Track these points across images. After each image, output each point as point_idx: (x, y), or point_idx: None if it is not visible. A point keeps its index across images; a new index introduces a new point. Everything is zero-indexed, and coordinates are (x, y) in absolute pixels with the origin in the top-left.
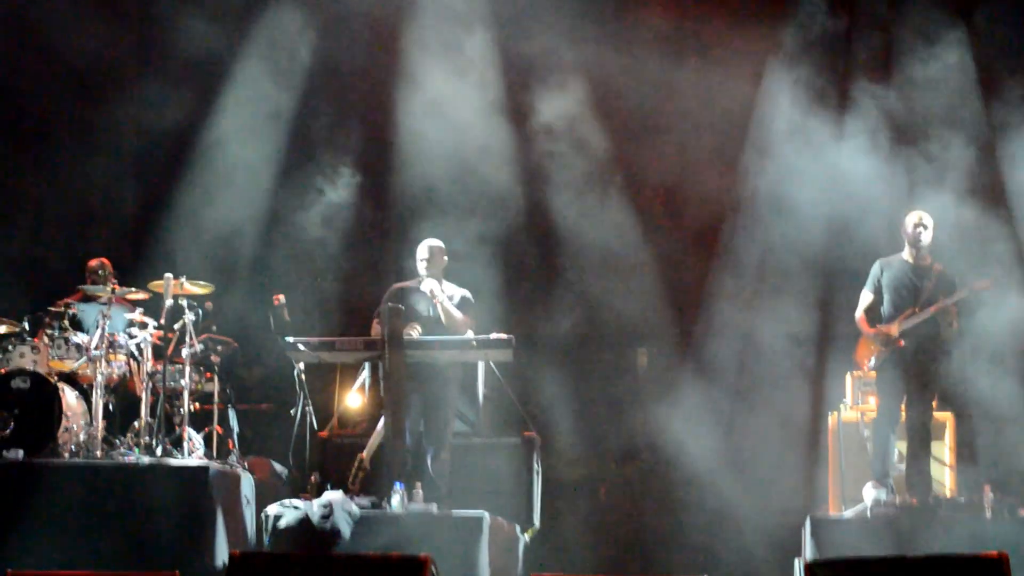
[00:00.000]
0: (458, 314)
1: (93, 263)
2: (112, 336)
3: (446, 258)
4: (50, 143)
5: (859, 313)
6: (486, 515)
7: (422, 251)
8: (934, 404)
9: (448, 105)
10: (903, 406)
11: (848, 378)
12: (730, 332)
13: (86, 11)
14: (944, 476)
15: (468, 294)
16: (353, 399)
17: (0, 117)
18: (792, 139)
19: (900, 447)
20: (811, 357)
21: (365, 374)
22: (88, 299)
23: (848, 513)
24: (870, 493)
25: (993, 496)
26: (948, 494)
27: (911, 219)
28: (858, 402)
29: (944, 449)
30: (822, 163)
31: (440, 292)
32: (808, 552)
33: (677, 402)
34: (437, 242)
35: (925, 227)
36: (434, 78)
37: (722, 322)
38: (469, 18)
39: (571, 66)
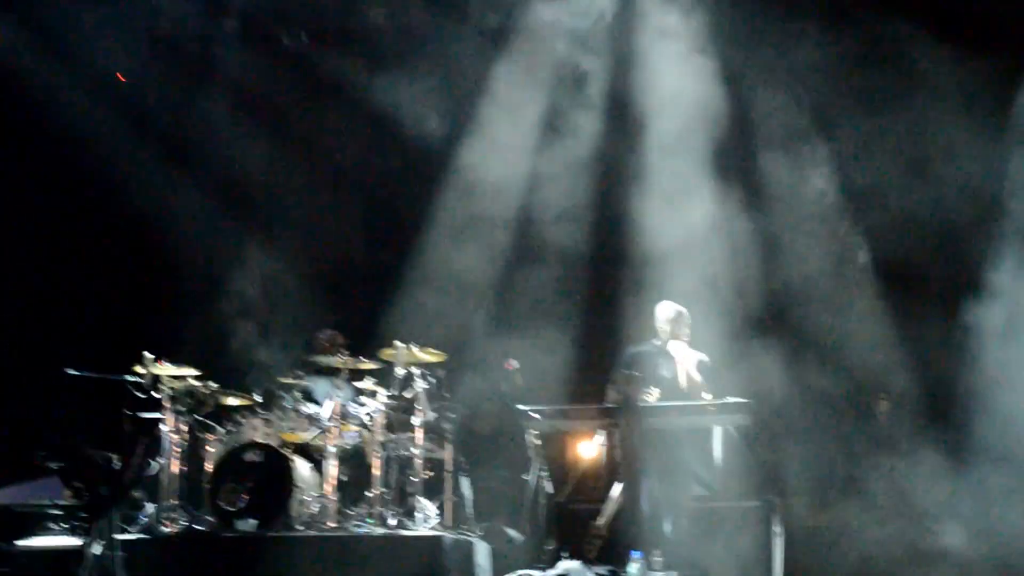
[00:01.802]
0: (698, 378)
1: (322, 335)
2: (344, 407)
3: (689, 322)
4: (279, 215)
5: None
6: None
7: (666, 314)
8: None
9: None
10: None
11: None
12: (974, 383)
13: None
14: None
15: (706, 358)
16: (586, 451)
17: (228, 188)
18: None
19: None
20: None
21: (601, 437)
22: (319, 371)
23: None
24: None
25: None
26: None
27: None
28: None
29: None
30: None
31: (687, 357)
32: None
33: (920, 454)
34: (680, 307)
35: None
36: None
37: (965, 372)
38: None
39: (810, 134)
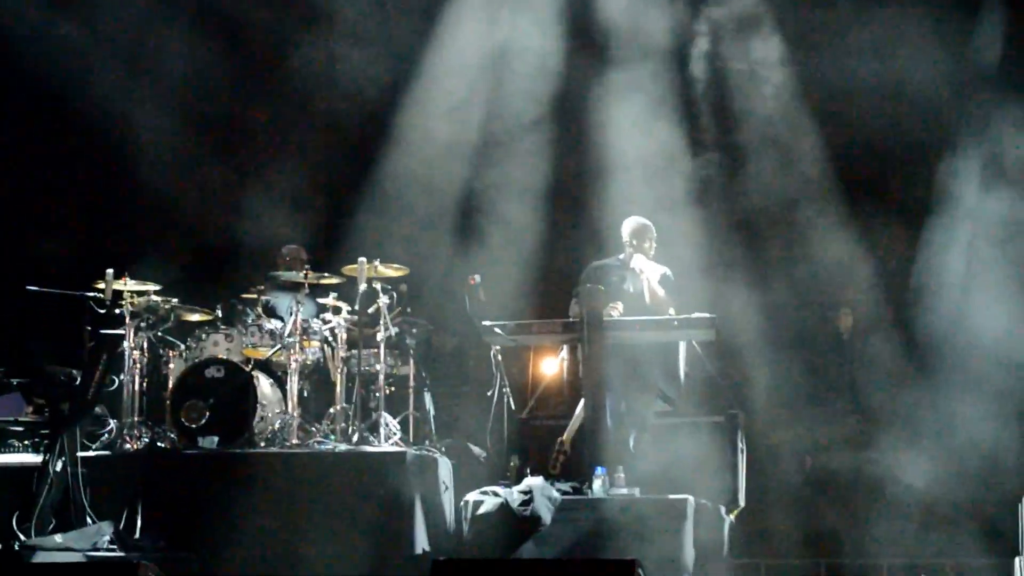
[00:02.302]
0: (662, 292)
1: (286, 249)
2: (306, 322)
3: (653, 236)
4: (240, 131)
5: None
6: (690, 499)
7: (630, 228)
8: None
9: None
10: None
11: None
12: (940, 297)
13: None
14: None
15: (669, 272)
16: (549, 367)
17: (189, 105)
18: None
19: None
20: None
21: (564, 353)
22: (281, 286)
23: None
24: None
25: None
26: None
27: None
28: None
29: None
30: None
31: (651, 271)
32: None
33: (884, 366)
34: (645, 220)
35: None
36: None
37: (931, 287)
38: None
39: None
